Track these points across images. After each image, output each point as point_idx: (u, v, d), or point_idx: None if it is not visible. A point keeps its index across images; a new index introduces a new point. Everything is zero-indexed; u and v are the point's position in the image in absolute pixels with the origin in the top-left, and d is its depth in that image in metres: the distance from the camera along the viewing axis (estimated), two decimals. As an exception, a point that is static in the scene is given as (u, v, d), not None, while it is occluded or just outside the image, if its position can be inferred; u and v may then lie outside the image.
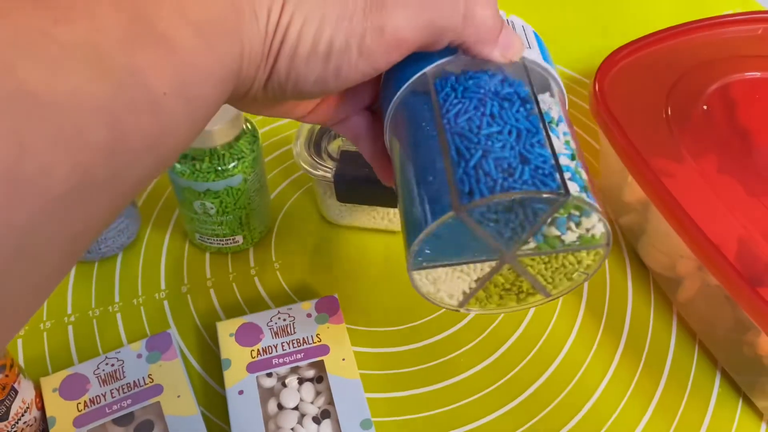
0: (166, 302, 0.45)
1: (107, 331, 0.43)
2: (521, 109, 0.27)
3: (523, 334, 0.44)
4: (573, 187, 0.25)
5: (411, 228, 0.28)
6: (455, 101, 0.27)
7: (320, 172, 0.44)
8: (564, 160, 0.27)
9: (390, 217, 0.48)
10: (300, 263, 0.48)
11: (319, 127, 0.47)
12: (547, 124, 0.27)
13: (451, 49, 0.27)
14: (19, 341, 0.43)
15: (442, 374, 0.42)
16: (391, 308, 0.45)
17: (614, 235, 0.50)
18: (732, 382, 0.42)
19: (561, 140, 0.28)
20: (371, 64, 0.24)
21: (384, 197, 0.45)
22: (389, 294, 0.46)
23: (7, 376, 0.34)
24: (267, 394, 0.39)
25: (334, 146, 0.47)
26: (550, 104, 0.29)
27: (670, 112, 0.48)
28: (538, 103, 0.28)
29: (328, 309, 0.42)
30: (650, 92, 0.49)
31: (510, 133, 0.26)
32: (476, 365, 0.43)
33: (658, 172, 0.43)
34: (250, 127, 0.43)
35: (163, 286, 0.46)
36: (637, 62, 0.52)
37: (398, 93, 0.28)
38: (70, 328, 0.44)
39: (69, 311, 0.45)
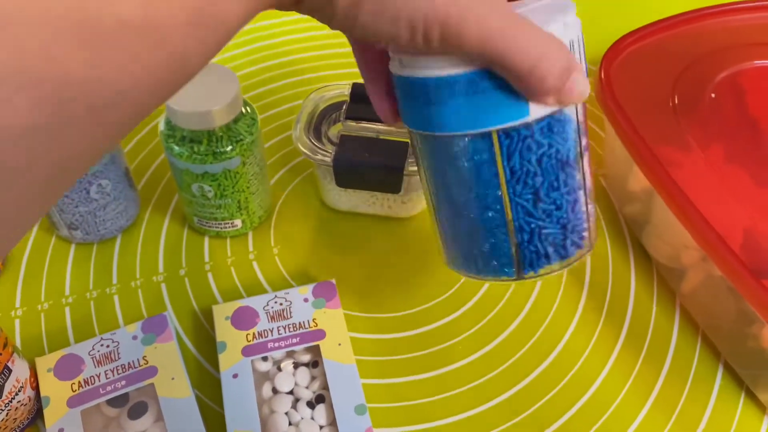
0: (163, 285, 0.45)
1: (104, 313, 0.43)
2: (576, 173, 0.29)
3: (522, 322, 0.44)
4: (593, 237, 0.31)
5: (456, 253, 0.32)
6: (519, 167, 0.28)
7: (319, 157, 0.44)
8: (590, 209, 0.31)
9: (390, 203, 0.48)
10: (299, 248, 0.47)
11: (319, 111, 0.47)
12: (587, 178, 0.30)
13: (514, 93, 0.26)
14: (17, 321, 0.43)
15: (438, 361, 0.42)
16: (388, 294, 0.45)
17: (617, 224, 0.50)
18: (734, 374, 0.42)
19: (589, 183, 0.31)
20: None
21: (383, 183, 0.44)
22: (387, 280, 0.46)
23: (0, 354, 0.34)
24: (262, 377, 0.39)
25: (334, 131, 0.46)
26: (583, 130, 0.30)
27: (677, 101, 0.47)
28: (585, 157, 0.30)
29: (326, 294, 0.42)
30: (657, 80, 0.48)
31: (564, 207, 0.29)
32: (474, 353, 0.42)
33: (663, 161, 0.42)
34: (249, 110, 0.43)
35: (161, 269, 0.46)
36: (645, 49, 0.51)
37: (451, 131, 0.27)
38: (67, 309, 0.44)
39: (67, 292, 0.44)
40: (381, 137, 0.45)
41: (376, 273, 0.46)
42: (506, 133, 0.27)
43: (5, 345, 0.35)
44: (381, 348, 0.42)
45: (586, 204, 0.31)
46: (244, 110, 0.42)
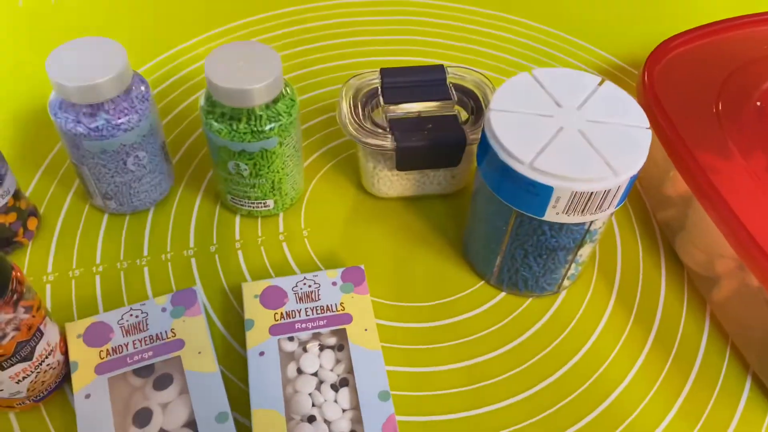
0: (193, 260, 0.45)
1: (134, 284, 0.44)
2: (568, 256, 0.41)
3: (549, 320, 0.44)
4: (564, 285, 0.45)
5: (475, 260, 0.46)
6: (523, 234, 0.40)
7: (377, 142, 0.44)
8: (571, 271, 0.43)
9: (439, 180, 0.48)
10: (329, 233, 0.47)
11: (362, 93, 0.47)
12: (581, 255, 0.42)
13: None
14: (48, 286, 0.43)
15: (463, 354, 0.42)
16: (417, 285, 0.45)
17: (650, 228, 0.49)
18: (763, 387, 0.41)
19: (584, 258, 0.43)
20: None
21: (445, 158, 0.46)
22: (416, 270, 0.46)
23: (33, 317, 0.34)
24: (287, 357, 0.39)
25: (377, 115, 0.46)
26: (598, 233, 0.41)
27: (720, 107, 0.46)
28: (588, 245, 0.41)
29: (354, 279, 0.42)
30: (701, 84, 0.48)
31: (544, 270, 0.42)
32: (499, 348, 0.42)
33: (704, 167, 0.42)
34: (289, 91, 0.43)
35: (191, 244, 0.46)
36: (690, 53, 0.50)
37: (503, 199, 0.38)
38: (97, 278, 0.44)
39: (98, 261, 0.45)
40: (423, 115, 0.46)
41: (405, 262, 0.46)
42: (522, 215, 0.38)
43: (39, 308, 0.35)
44: (406, 336, 0.42)
45: (569, 269, 0.42)
46: (284, 90, 0.42)
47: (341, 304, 0.40)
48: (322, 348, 0.39)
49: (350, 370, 0.38)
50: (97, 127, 0.41)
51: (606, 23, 0.65)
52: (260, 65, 0.40)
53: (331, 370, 0.38)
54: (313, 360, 0.38)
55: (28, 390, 0.36)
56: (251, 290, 0.41)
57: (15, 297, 0.33)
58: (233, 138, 0.41)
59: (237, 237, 0.47)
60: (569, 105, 0.38)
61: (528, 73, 0.40)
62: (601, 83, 0.39)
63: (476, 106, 0.47)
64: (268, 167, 0.44)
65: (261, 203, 0.46)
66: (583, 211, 0.36)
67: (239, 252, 0.46)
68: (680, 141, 0.43)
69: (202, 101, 0.42)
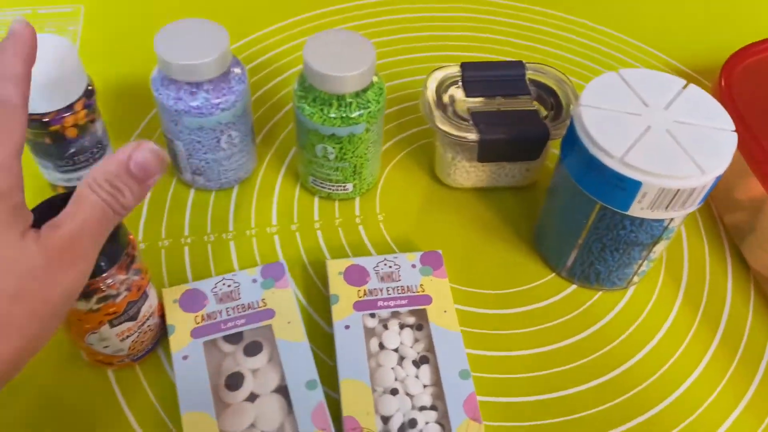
0: (276, 237, 0.47)
1: (220, 256, 0.46)
2: (643, 252, 0.42)
3: (617, 315, 0.45)
4: (635, 281, 0.47)
5: (547, 252, 0.47)
6: (602, 227, 0.41)
7: (461, 133, 0.45)
8: (643, 267, 0.45)
9: (514, 173, 0.49)
10: (403, 219, 0.49)
11: (444, 86, 0.48)
12: (655, 252, 0.44)
13: None
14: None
15: (533, 342, 0.43)
16: (488, 273, 0.46)
17: (716, 231, 0.50)
18: (829, 390, 0.42)
19: (655, 255, 0.44)
20: None
21: (526, 151, 0.47)
22: (488, 259, 0.47)
23: (142, 278, 0.37)
24: (369, 333, 0.41)
25: (459, 106, 0.48)
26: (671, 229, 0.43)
27: (796, 115, 0.47)
28: (662, 242, 0.42)
29: (433, 263, 0.43)
30: (778, 92, 0.48)
31: (618, 264, 0.43)
32: (568, 338, 0.43)
33: (781, 172, 0.42)
34: (377, 78, 0.45)
35: (274, 222, 0.48)
36: (766, 61, 0.51)
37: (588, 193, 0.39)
38: (186, 249, 0.46)
39: (186, 233, 0.47)
40: (502, 108, 0.47)
41: (476, 250, 0.48)
42: (605, 209, 0.39)
43: (147, 272, 0.37)
44: (477, 321, 0.44)
45: (641, 266, 0.43)
46: (374, 79, 0.44)
47: (421, 285, 0.42)
48: (401, 326, 0.41)
49: (428, 348, 0.40)
50: (197, 105, 0.43)
51: (672, 31, 0.66)
52: (356, 54, 0.42)
53: (411, 347, 0.40)
54: (394, 337, 0.40)
55: (129, 348, 0.38)
56: (335, 267, 0.42)
57: (129, 261, 0.35)
58: (324, 122, 0.43)
59: (316, 218, 0.49)
60: (656, 105, 0.39)
61: (615, 72, 0.41)
62: (685, 86, 0.40)
63: (556, 102, 0.48)
64: (353, 152, 0.46)
65: (341, 186, 0.48)
66: (666, 208, 0.37)
67: (318, 231, 0.48)
68: (757, 145, 0.44)
69: (295, 85, 0.44)
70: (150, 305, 0.38)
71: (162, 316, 0.41)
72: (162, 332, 0.41)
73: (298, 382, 0.37)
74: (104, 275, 0.34)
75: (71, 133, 0.41)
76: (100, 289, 0.34)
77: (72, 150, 0.41)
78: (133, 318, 0.37)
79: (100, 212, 0.28)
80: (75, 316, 0.35)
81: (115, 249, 0.34)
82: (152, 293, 0.39)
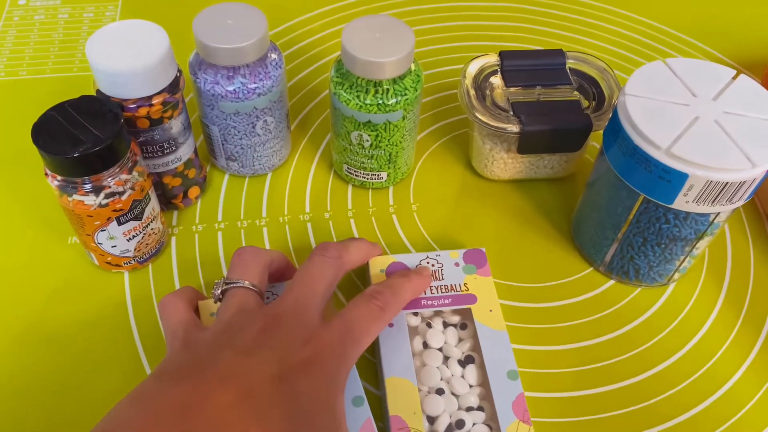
0: (309, 224, 0.47)
1: (254, 242, 0.46)
2: (686, 247, 0.41)
3: (657, 312, 0.44)
4: (675, 278, 0.45)
5: (585, 246, 0.46)
6: (644, 221, 0.40)
7: (501, 124, 0.44)
8: (685, 264, 0.44)
9: (552, 164, 0.48)
10: (437, 209, 0.48)
11: (482, 75, 0.47)
12: (697, 248, 0.42)
13: None
14: (173, 239, 0.46)
15: (571, 337, 0.42)
16: (525, 266, 0.45)
17: (761, 229, 0.48)
18: None
19: (698, 251, 0.43)
20: None
21: (567, 143, 0.46)
22: (525, 252, 0.46)
23: (145, 180, 0.40)
24: (412, 332, 0.40)
25: (497, 96, 0.47)
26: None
27: None
28: (706, 238, 0.41)
29: (476, 261, 0.42)
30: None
31: (660, 259, 0.42)
32: (607, 334, 0.42)
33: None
34: (415, 66, 0.44)
35: (307, 209, 0.48)
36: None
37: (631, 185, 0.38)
38: (219, 234, 0.46)
39: (219, 218, 0.47)
40: (542, 99, 0.46)
41: (513, 242, 0.47)
42: (648, 202, 0.38)
43: (148, 175, 0.41)
44: (514, 315, 0.43)
45: (683, 262, 0.42)
46: (412, 66, 0.43)
47: (465, 284, 0.41)
48: (445, 325, 0.40)
49: (474, 348, 0.39)
50: (234, 89, 0.43)
51: (717, 24, 0.64)
52: (395, 40, 0.41)
53: (456, 347, 0.39)
54: (438, 335, 0.39)
55: (135, 249, 0.42)
56: (377, 264, 0.42)
57: (131, 163, 0.39)
58: (360, 108, 0.43)
59: (349, 206, 0.48)
60: (704, 95, 0.38)
61: (661, 61, 0.40)
62: (735, 77, 0.39)
63: (598, 92, 0.47)
64: (389, 140, 0.45)
65: (375, 175, 0.48)
66: (713, 202, 0.36)
67: (351, 220, 0.47)
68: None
69: (332, 71, 0.44)
70: (153, 208, 0.42)
71: (164, 223, 0.45)
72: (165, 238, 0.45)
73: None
74: (110, 170, 0.37)
75: (142, 124, 0.41)
76: (107, 186, 0.37)
77: (140, 139, 0.41)
78: (138, 218, 0.40)
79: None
80: (85, 212, 0.38)
81: (119, 150, 0.37)
82: (155, 199, 0.42)
